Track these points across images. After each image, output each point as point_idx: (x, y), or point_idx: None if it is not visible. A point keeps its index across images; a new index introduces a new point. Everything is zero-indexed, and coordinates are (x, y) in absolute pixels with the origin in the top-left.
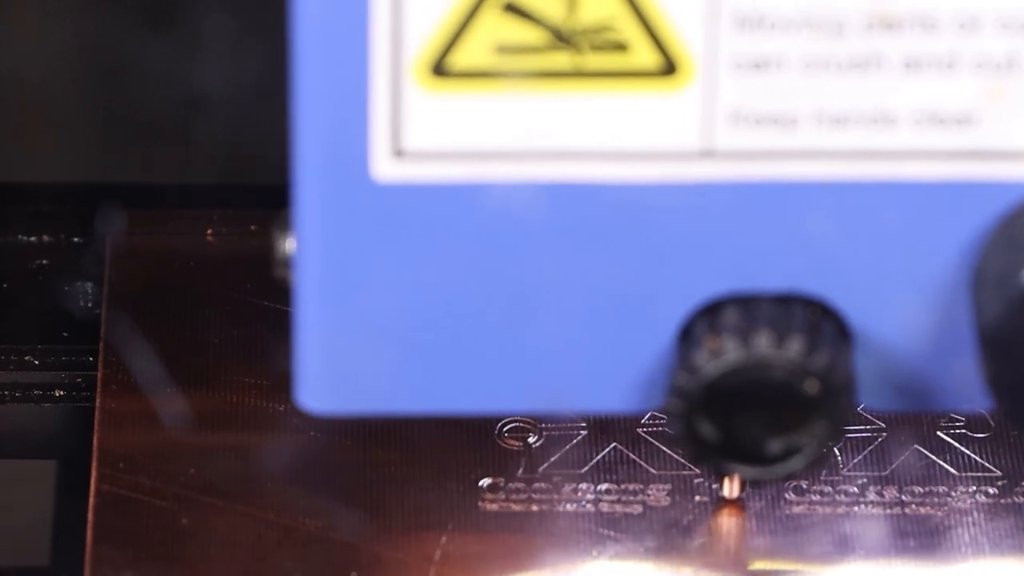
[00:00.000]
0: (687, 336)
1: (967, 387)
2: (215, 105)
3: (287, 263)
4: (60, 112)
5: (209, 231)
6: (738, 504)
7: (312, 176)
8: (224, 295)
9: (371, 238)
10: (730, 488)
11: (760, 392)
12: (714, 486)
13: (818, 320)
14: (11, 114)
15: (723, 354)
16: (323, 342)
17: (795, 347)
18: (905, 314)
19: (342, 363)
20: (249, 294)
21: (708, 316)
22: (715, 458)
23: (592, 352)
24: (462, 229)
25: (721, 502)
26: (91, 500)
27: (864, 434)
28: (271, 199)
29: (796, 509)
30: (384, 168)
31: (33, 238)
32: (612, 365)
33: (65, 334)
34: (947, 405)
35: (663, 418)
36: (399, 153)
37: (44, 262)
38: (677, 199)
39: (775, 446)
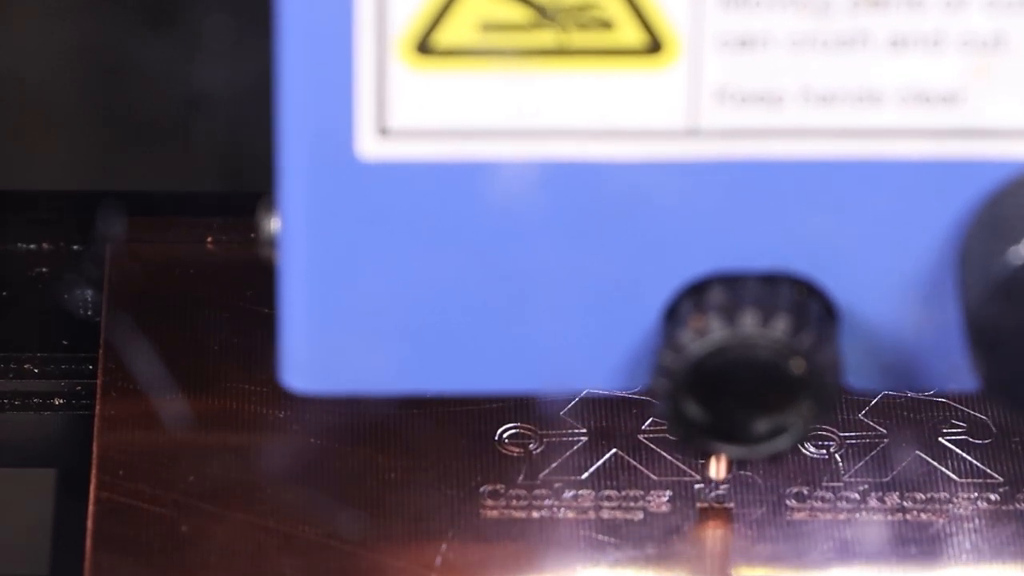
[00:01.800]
0: (673, 315)
1: (952, 366)
2: (215, 106)
3: (272, 243)
4: (60, 116)
5: (209, 238)
6: (735, 508)
7: (296, 155)
8: (224, 302)
9: (356, 217)
10: (716, 468)
11: (746, 371)
12: (715, 493)
13: (804, 299)
14: (11, 119)
15: (708, 333)
16: (308, 322)
17: (781, 326)
18: (891, 293)
19: (327, 343)
20: (249, 301)
21: (694, 295)
22: (701, 438)
23: (578, 331)
24: (447, 208)
25: (715, 504)
26: (90, 508)
27: (865, 441)
28: None
29: (797, 516)
30: (369, 146)
31: (33, 245)
32: (598, 344)
33: (65, 342)
34: (932, 384)
35: (664, 424)
36: (384, 131)
37: (44, 269)
38: (663, 178)
39: (761, 426)
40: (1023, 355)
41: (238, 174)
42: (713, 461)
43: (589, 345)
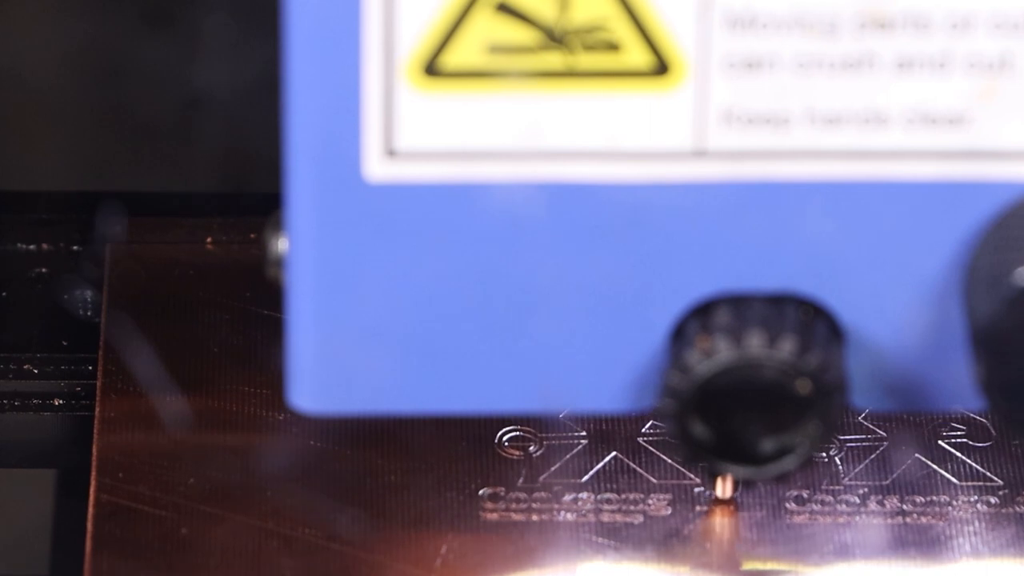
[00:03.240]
0: (679, 336)
1: (959, 387)
2: (215, 106)
3: (279, 263)
4: (60, 116)
5: (209, 239)
6: (736, 512)
7: (304, 176)
8: (224, 303)
9: (363, 238)
10: (723, 488)
11: (752, 392)
12: (713, 495)
13: (810, 320)
14: (11, 119)
15: (715, 354)
16: (315, 342)
17: (787, 347)
18: (897, 314)
19: (334, 363)
20: (249, 302)
21: (700, 316)
22: (708, 458)
23: (585, 352)
24: (454, 229)
25: (716, 506)
26: (90, 509)
27: (865, 444)
28: (271, 207)
29: (797, 519)
30: (376, 168)
31: (32, 246)
32: (605, 365)
33: (64, 342)
34: (939, 405)
35: (663, 427)
36: (391, 153)
37: (43, 270)
38: (669, 199)
39: (768, 446)
40: None
41: (238, 174)
42: (719, 480)
43: (596, 366)
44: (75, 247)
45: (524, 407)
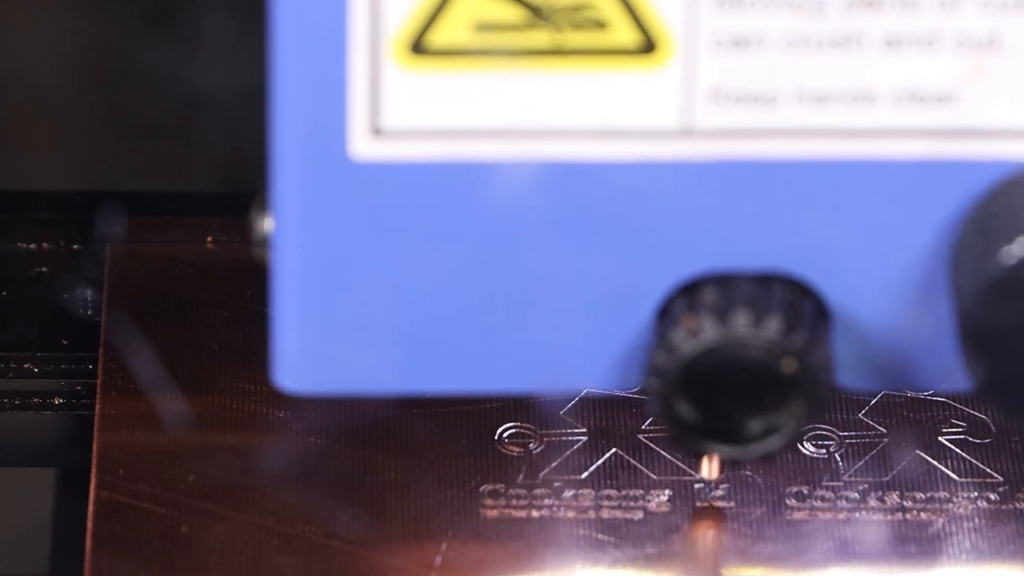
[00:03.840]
0: (666, 315)
1: (945, 366)
2: (215, 106)
3: (265, 243)
4: (60, 116)
5: (209, 238)
6: (736, 508)
7: (290, 155)
8: (224, 302)
9: (349, 217)
10: (709, 468)
11: (738, 371)
12: (715, 493)
13: (797, 300)
14: (11, 119)
15: (701, 333)
16: (301, 322)
17: (773, 326)
18: (884, 293)
19: (319, 343)
20: (249, 301)
21: (687, 295)
22: (693, 437)
23: (572, 330)
24: (440, 208)
25: (715, 504)
26: (91, 507)
27: (865, 440)
28: None
29: (797, 515)
30: (362, 147)
31: (33, 245)
32: (592, 343)
33: (65, 341)
34: (925, 384)
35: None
36: (377, 132)
37: (44, 269)
38: (657, 178)
39: (753, 425)
40: (1016, 355)
41: (238, 174)
42: (705, 461)
43: (582, 344)
44: (75, 246)
45: (511, 387)
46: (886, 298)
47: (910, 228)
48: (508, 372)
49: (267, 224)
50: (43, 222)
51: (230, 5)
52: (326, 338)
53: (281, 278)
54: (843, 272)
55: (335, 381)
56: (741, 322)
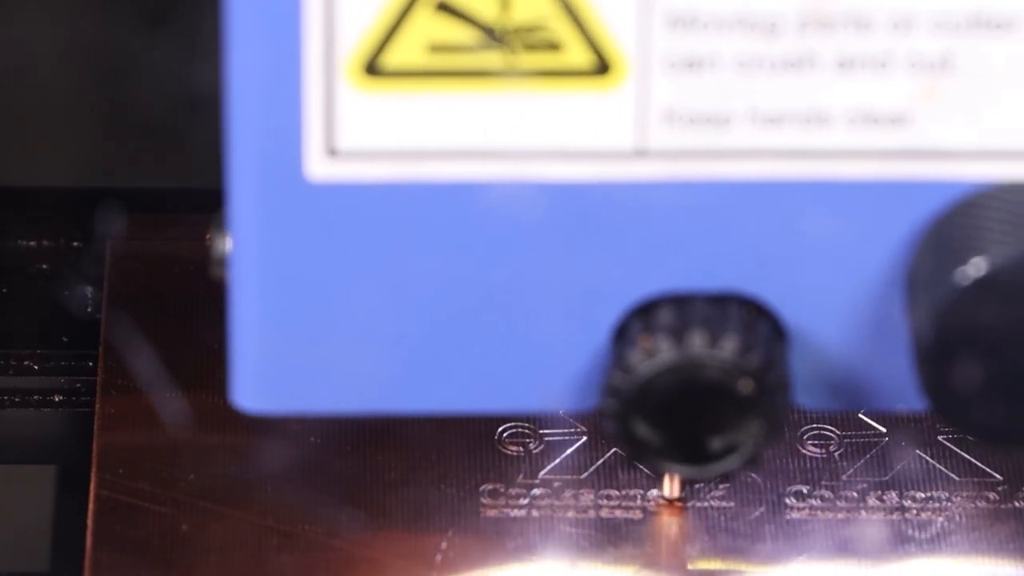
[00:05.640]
0: (622, 336)
1: (902, 386)
2: (215, 106)
3: (223, 263)
4: (60, 114)
5: (208, 236)
6: (735, 507)
7: (246, 175)
8: (223, 300)
9: (305, 237)
10: (670, 487)
11: (695, 392)
12: (715, 492)
13: (753, 319)
14: (11, 117)
15: (657, 354)
16: (258, 342)
17: (729, 346)
18: (840, 313)
19: (277, 363)
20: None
21: (643, 315)
22: (651, 457)
23: (527, 351)
24: (395, 228)
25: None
26: (91, 505)
27: (864, 440)
28: None
29: (796, 514)
30: (318, 167)
31: (33, 242)
32: (548, 364)
33: (65, 339)
34: (882, 404)
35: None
36: (332, 152)
37: (44, 266)
38: (611, 198)
39: (711, 445)
40: (970, 375)
41: None
42: (666, 479)
43: (539, 365)
44: (75, 244)
45: (466, 407)
46: (842, 318)
47: (865, 248)
48: (463, 392)
49: (225, 244)
50: (43, 219)
51: None
52: (283, 358)
53: (238, 298)
54: (799, 292)
55: (292, 401)
56: (697, 342)
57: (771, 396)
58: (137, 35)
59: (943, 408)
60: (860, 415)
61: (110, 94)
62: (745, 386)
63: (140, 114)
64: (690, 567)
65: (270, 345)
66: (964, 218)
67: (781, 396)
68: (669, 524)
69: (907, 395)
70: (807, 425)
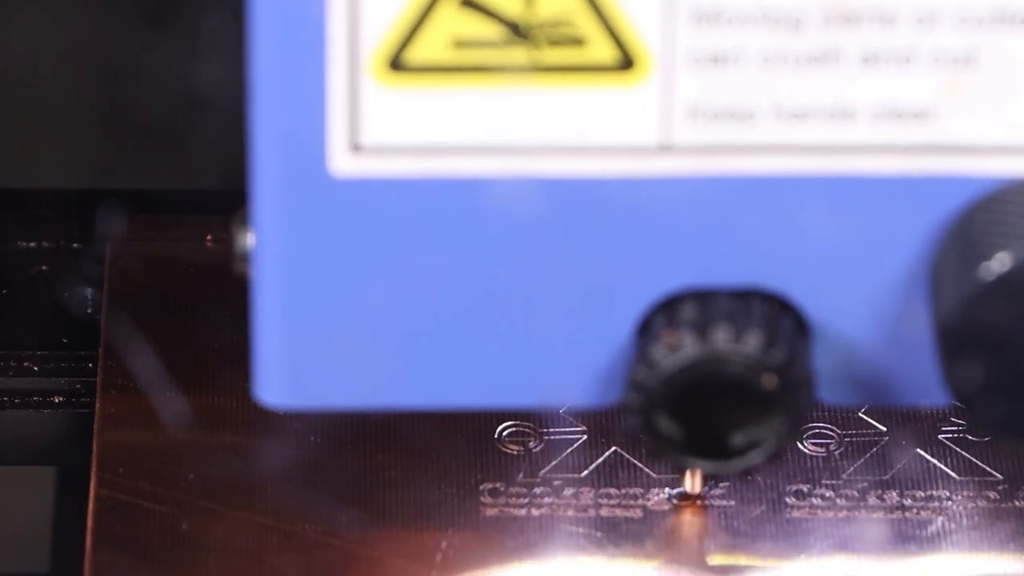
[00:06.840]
0: (646, 331)
1: (926, 381)
2: (215, 106)
3: (246, 258)
4: (60, 115)
5: (209, 237)
6: (736, 506)
7: (270, 171)
8: (224, 301)
9: (329, 233)
10: (692, 483)
11: (718, 387)
12: (714, 491)
13: (776, 315)
14: (11, 117)
15: (681, 349)
16: (282, 337)
17: (753, 342)
18: (863, 308)
19: (300, 358)
20: (249, 300)
21: (666, 311)
22: (674, 452)
23: (551, 346)
24: (419, 224)
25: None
26: (91, 505)
27: (865, 438)
28: None
29: (797, 513)
30: (341, 163)
31: (33, 244)
32: (572, 359)
33: (65, 340)
34: (905, 399)
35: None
36: (356, 148)
37: (44, 268)
38: (635, 194)
39: (734, 440)
40: (993, 371)
41: (238, 173)
42: (688, 475)
43: (563, 360)
44: (75, 245)
45: (491, 402)
46: (866, 313)
47: (889, 243)
48: (488, 387)
49: (248, 239)
50: (43, 220)
51: (230, 5)
52: (307, 353)
53: (262, 293)
54: (822, 287)
55: (316, 396)
56: (721, 338)
57: (794, 392)
58: (137, 35)
59: (966, 403)
60: (860, 414)
61: (110, 94)
62: (768, 381)
63: (140, 114)
64: (710, 563)
65: (294, 340)
66: (988, 213)
67: (804, 392)
68: (681, 522)
69: (930, 390)
70: (807, 424)
